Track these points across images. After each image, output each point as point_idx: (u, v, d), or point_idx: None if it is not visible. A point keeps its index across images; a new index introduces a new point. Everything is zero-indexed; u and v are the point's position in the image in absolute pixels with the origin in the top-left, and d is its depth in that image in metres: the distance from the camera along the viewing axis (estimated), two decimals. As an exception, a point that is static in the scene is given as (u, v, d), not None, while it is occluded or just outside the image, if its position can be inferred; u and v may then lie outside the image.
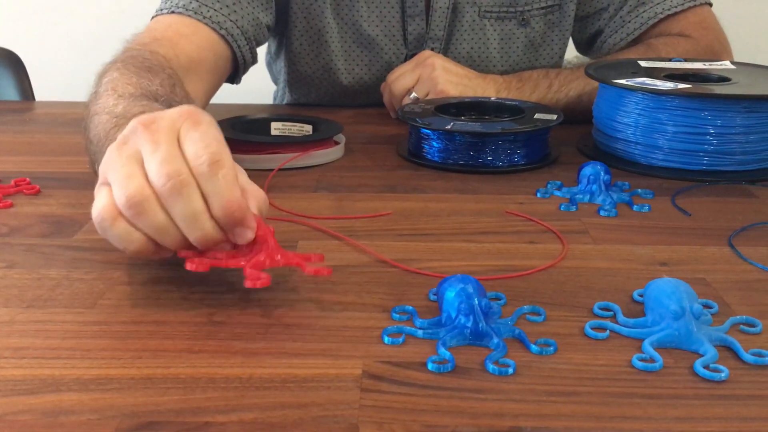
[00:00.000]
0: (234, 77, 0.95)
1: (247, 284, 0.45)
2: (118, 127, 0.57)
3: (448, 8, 1.01)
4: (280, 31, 1.07)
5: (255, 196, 0.49)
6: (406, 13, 1.02)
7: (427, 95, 0.92)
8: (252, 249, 0.48)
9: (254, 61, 0.95)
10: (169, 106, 0.61)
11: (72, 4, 1.92)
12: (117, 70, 0.70)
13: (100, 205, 0.47)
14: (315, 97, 1.11)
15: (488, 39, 1.05)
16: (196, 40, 0.85)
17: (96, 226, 0.48)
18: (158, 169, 0.45)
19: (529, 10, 1.04)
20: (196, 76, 0.83)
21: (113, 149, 0.48)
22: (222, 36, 0.88)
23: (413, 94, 0.93)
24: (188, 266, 0.46)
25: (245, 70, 0.95)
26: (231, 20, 0.89)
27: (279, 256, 0.49)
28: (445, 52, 1.04)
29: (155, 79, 0.69)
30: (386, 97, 0.98)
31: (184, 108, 0.49)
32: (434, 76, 0.91)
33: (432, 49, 1.03)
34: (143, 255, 0.48)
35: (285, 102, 1.16)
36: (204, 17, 0.87)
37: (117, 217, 0.46)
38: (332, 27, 1.02)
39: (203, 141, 0.46)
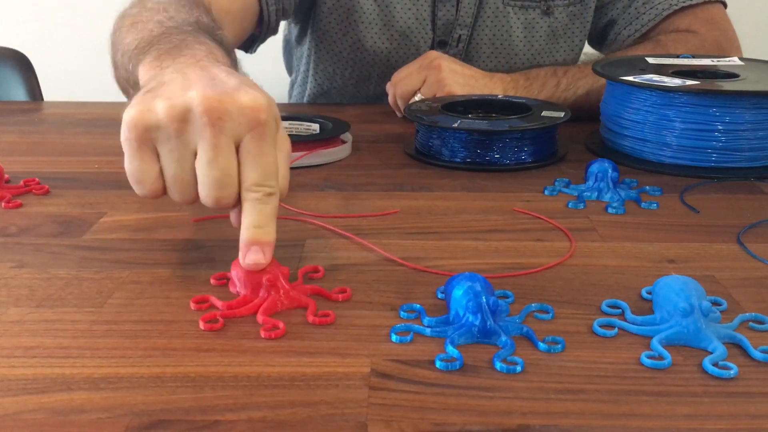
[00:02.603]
0: (249, 46, 0.96)
1: (263, 335, 0.45)
2: (168, 35, 0.58)
3: None
4: (307, 7, 1.08)
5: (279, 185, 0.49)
6: None
7: (434, 96, 0.92)
8: (264, 291, 0.49)
9: (275, 30, 0.97)
10: (219, 42, 0.61)
11: (80, 5, 1.92)
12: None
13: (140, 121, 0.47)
14: (340, 78, 1.11)
15: (511, 27, 1.05)
16: None
17: (123, 131, 0.47)
18: (209, 184, 0.47)
19: (552, 1, 1.05)
20: (225, 26, 0.84)
21: (175, 106, 0.46)
22: None
23: (419, 96, 0.93)
24: (202, 326, 0.46)
25: (264, 37, 0.97)
26: None
27: (290, 298, 0.48)
28: (470, 38, 1.05)
29: (204, 15, 0.69)
30: (391, 97, 0.98)
31: (257, 102, 0.47)
32: (441, 78, 0.91)
33: (459, 36, 1.04)
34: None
35: (307, 87, 1.16)
36: None
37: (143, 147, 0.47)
38: (363, 6, 1.03)
39: (263, 168, 0.47)
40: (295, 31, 1.17)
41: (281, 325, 0.46)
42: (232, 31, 0.87)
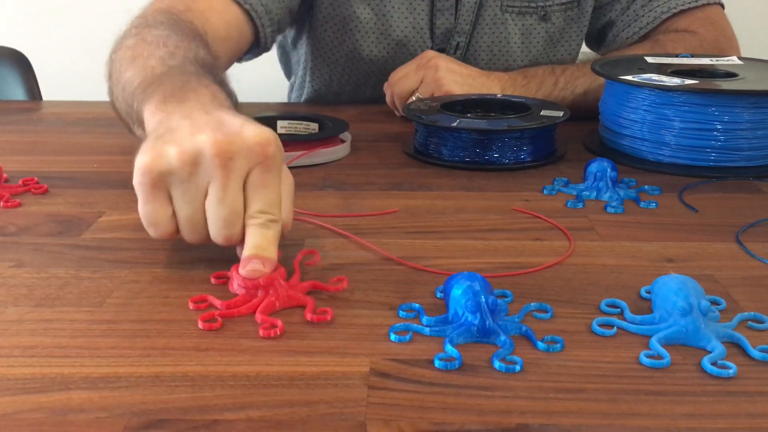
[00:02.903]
0: (240, 57, 0.96)
1: (261, 333, 0.45)
2: (171, 75, 0.60)
3: (475, 2, 1.02)
4: (300, 17, 1.08)
5: (285, 225, 0.52)
6: (435, 7, 1.02)
7: (432, 96, 0.92)
8: (261, 291, 0.49)
9: (270, 48, 0.97)
10: (220, 83, 0.62)
11: (79, 4, 1.92)
12: (165, 28, 0.72)
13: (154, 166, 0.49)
14: (337, 84, 1.11)
15: (509, 33, 1.05)
16: (225, 18, 0.87)
17: (137, 177, 0.49)
18: (218, 223, 0.49)
19: (549, 6, 1.05)
20: (221, 53, 0.84)
21: (187, 151, 0.48)
22: (247, 12, 0.90)
23: (417, 96, 0.93)
24: (201, 326, 0.46)
25: (257, 54, 0.96)
26: None
27: (288, 297, 0.49)
28: (468, 45, 1.05)
29: (202, 49, 0.71)
30: (389, 97, 0.98)
31: (263, 137, 0.49)
32: (438, 78, 0.91)
33: (457, 43, 1.04)
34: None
35: (304, 92, 1.16)
36: None
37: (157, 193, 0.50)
38: (359, 15, 1.03)
39: (267, 198, 0.50)
40: (290, 35, 1.17)
41: (279, 323, 0.46)
42: (227, 54, 0.88)
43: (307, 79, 1.14)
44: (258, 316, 0.47)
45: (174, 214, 0.50)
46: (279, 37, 1.08)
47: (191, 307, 0.48)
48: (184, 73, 0.61)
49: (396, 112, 0.99)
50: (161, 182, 0.49)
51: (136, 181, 0.49)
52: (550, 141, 0.82)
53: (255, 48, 0.95)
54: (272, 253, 0.50)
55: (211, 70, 0.65)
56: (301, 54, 1.15)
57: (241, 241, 0.50)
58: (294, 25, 1.11)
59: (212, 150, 0.48)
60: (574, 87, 0.94)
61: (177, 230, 0.51)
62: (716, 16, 1.04)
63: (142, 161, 0.49)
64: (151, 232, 0.51)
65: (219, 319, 0.46)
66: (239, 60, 0.96)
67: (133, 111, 0.62)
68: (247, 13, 0.90)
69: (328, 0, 1.03)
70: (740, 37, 1.05)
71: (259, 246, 0.49)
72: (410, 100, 0.93)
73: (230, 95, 0.61)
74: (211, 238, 0.51)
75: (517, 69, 0.97)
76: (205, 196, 0.49)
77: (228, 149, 0.48)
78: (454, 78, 0.92)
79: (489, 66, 1.06)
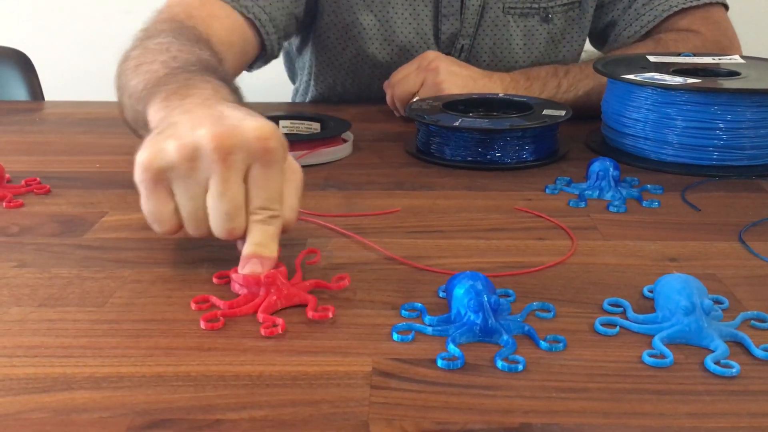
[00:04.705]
0: (250, 66, 0.96)
1: (263, 333, 0.45)
2: (174, 75, 0.60)
3: (480, 6, 1.02)
4: (306, 24, 1.08)
5: (288, 223, 0.51)
6: (440, 12, 1.02)
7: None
8: (263, 290, 0.49)
9: (277, 54, 0.97)
10: (223, 79, 0.62)
11: (80, 4, 1.92)
12: (168, 35, 0.72)
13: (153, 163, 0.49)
14: (341, 88, 1.11)
15: (511, 35, 1.05)
16: (228, 24, 0.87)
17: (138, 173, 0.49)
18: (219, 217, 0.49)
19: (551, 7, 1.05)
20: (225, 58, 0.84)
21: (186, 145, 0.48)
22: (250, 20, 0.90)
23: (417, 99, 0.93)
24: (203, 326, 0.46)
25: (266, 61, 0.96)
26: (259, 6, 0.91)
27: (289, 295, 0.49)
28: (471, 47, 1.05)
29: (206, 51, 0.71)
30: (389, 98, 0.97)
31: (263, 131, 0.48)
32: (438, 81, 0.91)
33: (462, 46, 1.04)
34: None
35: (308, 96, 1.16)
36: (233, 1, 0.89)
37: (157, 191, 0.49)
38: (362, 22, 1.03)
39: (267, 193, 0.49)
40: (295, 42, 1.17)
41: (281, 322, 0.46)
42: (234, 61, 0.87)
43: (312, 84, 1.14)
44: (260, 316, 0.47)
45: (177, 209, 0.50)
46: (285, 43, 1.08)
47: (193, 308, 0.48)
48: (187, 72, 0.61)
49: (395, 113, 0.98)
50: (162, 178, 0.48)
51: (137, 178, 0.49)
52: (553, 140, 0.82)
53: (263, 55, 0.95)
54: (272, 250, 0.50)
55: (215, 69, 0.65)
56: (305, 60, 1.15)
57: (244, 236, 0.50)
58: (300, 30, 1.11)
59: (211, 144, 0.47)
60: (577, 90, 0.94)
61: (181, 226, 0.51)
62: (718, 16, 1.04)
63: (141, 157, 0.48)
64: (156, 228, 0.50)
65: (221, 318, 0.46)
66: (249, 68, 0.96)
67: (140, 115, 0.62)
68: (250, 21, 0.90)
69: (332, 7, 1.03)
70: (743, 36, 1.05)
71: (258, 243, 0.49)
72: (411, 102, 0.93)
73: (234, 91, 0.61)
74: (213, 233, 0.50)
75: (499, 72, 0.96)
76: (207, 190, 0.49)
77: (227, 143, 0.47)
78: (455, 81, 0.92)
79: (491, 67, 1.06)
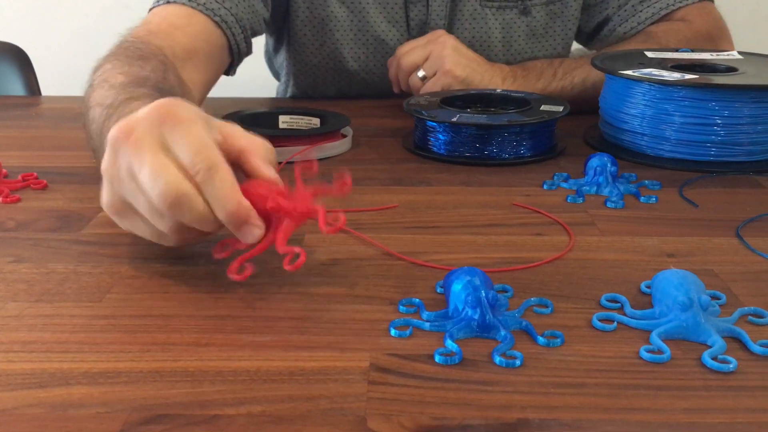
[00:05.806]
0: (229, 69, 0.95)
1: (288, 268, 0.45)
2: (109, 118, 0.58)
3: None
4: (279, 23, 1.07)
5: (258, 149, 0.50)
6: None
7: (435, 74, 0.93)
8: (273, 221, 0.48)
9: (249, 51, 0.96)
10: (160, 90, 0.62)
11: (77, -1, 1.92)
12: (110, 62, 0.71)
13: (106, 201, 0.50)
14: (321, 88, 1.11)
15: (489, 28, 1.05)
16: (190, 31, 0.86)
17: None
18: (152, 186, 0.45)
19: (530, 0, 1.04)
20: (193, 66, 0.83)
21: (107, 165, 0.48)
22: (216, 23, 0.88)
23: (421, 72, 0.93)
24: (234, 278, 0.46)
25: (240, 60, 0.95)
26: (225, 7, 0.89)
27: (299, 214, 0.48)
28: None
29: (146, 66, 0.70)
30: (393, 70, 0.98)
31: (157, 104, 0.48)
32: (444, 55, 0.92)
33: None
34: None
35: (289, 95, 1.16)
36: (198, 4, 0.87)
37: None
38: (337, 15, 1.03)
39: (193, 146, 0.46)
40: (270, 41, 1.17)
41: (302, 251, 0.46)
42: (197, 66, 0.85)
43: (290, 83, 1.14)
44: (279, 248, 0.47)
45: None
46: (262, 39, 1.07)
47: (216, 257, 0.48)
48: (113, 107, 0.60)
49: (395, 88, 0.99)
50: (122, 209, 0.49)
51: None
52: (550, 136, 0.81)
53: (235, 55, 0.93)
54: (238, 201, 0.46)
55: (148, 82, 0.65)
56: (282, 60, 1.15)
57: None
58: (272, 29, 1.11)
59: (112, 139, 0.47)
60: (572, 77, 0.94)
61: (180, 230, 0.48)
62: (708, 7, 1.05)
63: (102, 202, 0.51)
64: (165, 242, 0.50)
65: (247, 264, 0.46)
66: (228, 71, 0.94)
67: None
68: (216, 23, 0.88)
69: (305, 4, 1.03)
70: (740, 32, 1.05)
71: (222, 206, 0.46)
72: (413, 77, 0.94)
73: (169, 95, 0.58)
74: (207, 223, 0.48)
75: (499, 63, 0.97)
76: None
77: (124, 126, 0.47)
78: (459, 59, 0.92)
79: None
